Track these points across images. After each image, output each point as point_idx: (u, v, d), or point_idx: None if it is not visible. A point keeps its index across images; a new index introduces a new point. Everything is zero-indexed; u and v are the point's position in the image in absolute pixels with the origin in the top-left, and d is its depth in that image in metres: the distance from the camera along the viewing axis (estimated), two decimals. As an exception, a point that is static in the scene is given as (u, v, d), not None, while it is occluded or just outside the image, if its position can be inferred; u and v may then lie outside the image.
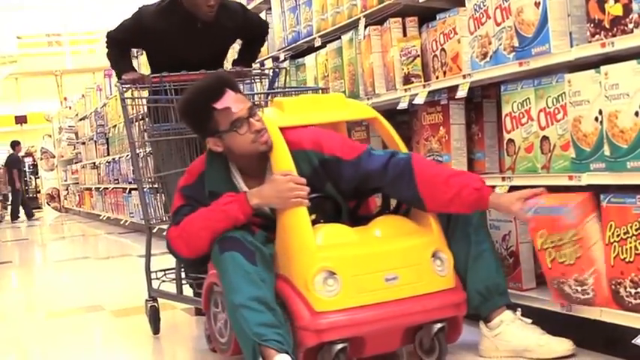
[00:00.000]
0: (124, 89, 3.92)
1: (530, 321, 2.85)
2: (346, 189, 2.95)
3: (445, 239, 2.91)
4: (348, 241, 2.80)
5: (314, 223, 2.86)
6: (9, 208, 18.63)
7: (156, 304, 3.92)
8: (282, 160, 2.83)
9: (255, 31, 4.44)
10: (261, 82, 4.48)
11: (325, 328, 2.66)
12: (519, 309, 2.89)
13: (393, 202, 3.11)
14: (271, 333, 2.62)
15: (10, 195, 18.77)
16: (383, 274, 2.72)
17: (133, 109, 3.90)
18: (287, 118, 3.03)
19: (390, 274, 2.72)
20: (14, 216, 17.95)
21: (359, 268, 2.70)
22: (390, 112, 4.35)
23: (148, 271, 3.95)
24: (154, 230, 4.08)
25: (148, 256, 3.96)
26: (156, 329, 3.92)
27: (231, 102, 2.82)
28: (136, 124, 4.03)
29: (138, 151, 3.93)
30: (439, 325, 2.79)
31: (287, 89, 4.20)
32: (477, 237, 2.94)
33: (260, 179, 2.90)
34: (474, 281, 2.91)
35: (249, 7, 6.01)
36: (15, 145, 18.81)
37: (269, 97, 3.89)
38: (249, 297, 2.66)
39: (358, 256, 2.73)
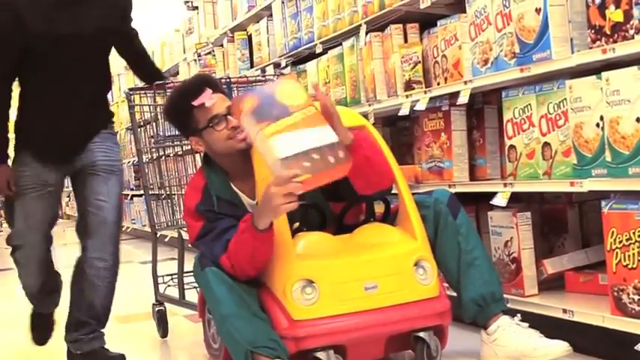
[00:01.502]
0: (131, 95, 3.93)
1: (526, 325, 2.84)
2: (328, 190, 2.91)
3: (434, 248, 2.90)
4: (328, 249, 2.80)
5: (297, 231, 2.86)
6: None
7: (163, 307, 3.96)
8: (262, 162, 2.80)
9: None
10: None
11: (303, 336, 2.67)
12: (518, 314, 2.89)
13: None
14: (263, 340, 2.63)
15: None
16: (362, 283, 2.71)
17: (140, 115, 3.93)
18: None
19: (370, 283, 2.72)
20: None
21: (337, 277, 2.70)
22: (391, 119, 4.36)
23: (155, 276, 3.99)
24: (158, 235, 4.10)
25: (155, 261, 3.98)
26: (164, 332, 3.95)
27: (207, 99, 2.85)
28: (142, 129, 4.05)
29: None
30: (421, 334, 2.77)
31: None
32: (467, 245, 2.93)
33: (251, 181, 2.89)
34: (469, 290, 2.90)
35: (251, 14, 6.04)
36: None
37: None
38: (236, 306, 2.68)
39: (337, 265, 2.73)
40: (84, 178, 3.30)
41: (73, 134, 3.25)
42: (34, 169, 3.22)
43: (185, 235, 3.35)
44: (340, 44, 4.51)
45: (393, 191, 2.97)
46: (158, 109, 3.90)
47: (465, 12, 3.42)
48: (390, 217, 3.03)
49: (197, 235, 2.88)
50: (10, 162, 3.27)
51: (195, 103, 2.87)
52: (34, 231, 3.30)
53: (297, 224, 2.89)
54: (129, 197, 11.00)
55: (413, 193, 2.98)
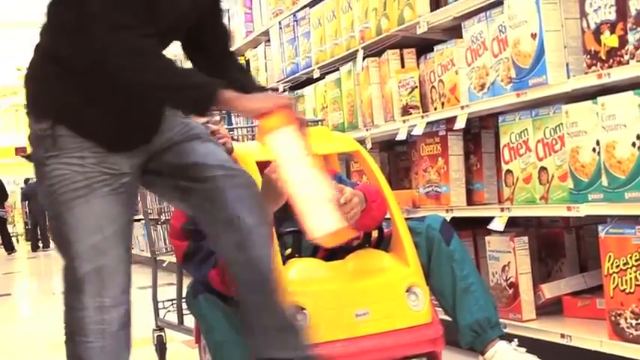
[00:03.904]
0: None
1: (524, 350, 2.83)
2: None
3: (428, 275, 2.90)
4: (319, 276, 2.79)
5: (289, 257, 2.86)
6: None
7: (162, 333, 3.96)
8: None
9: None
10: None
11: None
12: (515, 339, 2.88)
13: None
14: None
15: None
16: (353, 310, 2.70)
17: None
18: (268, 152, 3.02)
19: (361, 310, 2.70)
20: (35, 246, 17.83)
21: (328, 304, 2.68)
22: (388, 143, 4.37)
23: (155, 301, 3.98)
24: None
25: (155, 286, 3.98)
26: (161, 358, 3.95)
27: None
28: None
29: None
30: None
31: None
32: (461, 271, 2.92)
33: None
34: (465, 317, 2.89)
35: (248, 39, 6.07)
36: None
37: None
38: (231, 332, 2.66)
39: (327, 292, 2.72)
40: (173, 150, 2.39)
41: (150, 111, 2.35)
42: (97, 156, 2.22)
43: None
44: (338, 69, 4.52)
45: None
46: None
47: (461, 37, 3.43)
48: (384, 243, 3.03)
49: (183, 254, 2.84)
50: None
51: None
52: (113, 244, 2.23)
53: (289, 250, 2.88)
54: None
55: (406, 219, 2.98)
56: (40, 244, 17.79)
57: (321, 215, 2.19)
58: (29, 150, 2.36)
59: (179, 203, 2.54)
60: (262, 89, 2.52)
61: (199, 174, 2.35)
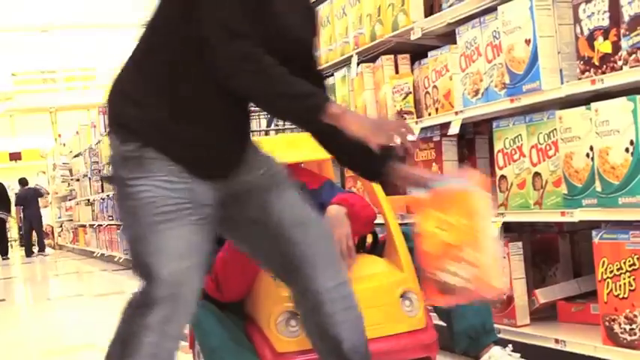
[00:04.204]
0: None
1: (518, 355, 2.83)
2: None
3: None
4: None
5: None
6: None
7: None
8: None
9: None
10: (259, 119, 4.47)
11: None
12: (510, 345, 2.88)
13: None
14: None
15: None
16: None
17: None
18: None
19: None
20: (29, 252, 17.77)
21: None
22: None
23: None
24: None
25: None
26: None
27: None
28: None
29: None
30: None
31: (279, 128, 4.20)
32: None
33: None
34: (460, 323, 2.89)
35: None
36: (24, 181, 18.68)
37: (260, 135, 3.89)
38: (225, 338, 2.66)
39: None
40: (254, 206, 2.35)
41: (234, 141, 2.30)
42: (184, 182, 2.16)
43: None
44: (332, 75, 4.53)
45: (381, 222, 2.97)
46: None
47: (455, 43, 3.44)
48: (378, 248, 3.03)
49: None
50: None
51: None
52: (192, 276, 2.17)
53: None
54: (122, 227, 10.99)
55: (401, 224, 2.98)
56: (36, 250, 17.74)
57: (497, 271, 2.24)
58: (107, 170, 2.29)
59: (250, 252, 2.47)
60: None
61: (274, 230, 2.32)
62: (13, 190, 18.88)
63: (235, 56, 2.07)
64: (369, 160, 2.35)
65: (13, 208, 18.30)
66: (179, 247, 2.13)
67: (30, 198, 17.97)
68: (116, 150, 2.19)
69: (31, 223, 17.64)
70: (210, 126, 2.18)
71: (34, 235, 17.96)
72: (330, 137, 2.34)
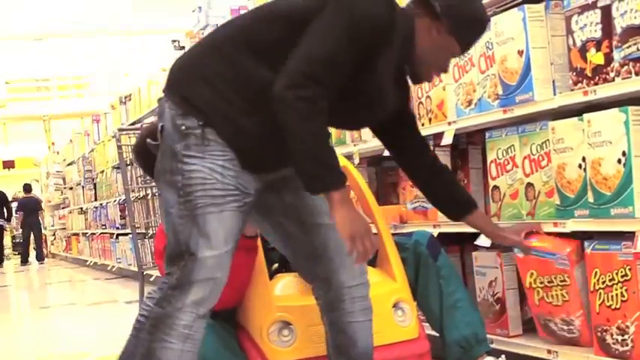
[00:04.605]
0: (120, 134, 3.95)
1: None
2: None
3: (415, 291, 2.90)
4: (306, 291, 2.79)
5: (276, 272, 2.85)
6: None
7: None
8: None
9: None
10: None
11: None
12: (503, 355, 2.89)
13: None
14: None
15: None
16: None
17: (128, 154, 3.96)
18: None
19: None
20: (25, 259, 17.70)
21: (315, 319, 2.68)
22: (376, 159, 4.38)
23: None
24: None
25: (142, 300, 3.97)
26: None
27: None
28: (129, 168, 4.07)
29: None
30: None
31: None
32: (448, 287, 2.93)
33: None
34: (452, 333, 2.89)
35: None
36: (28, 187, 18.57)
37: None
38: (217, 348, 2.66)
39: (314, 307, 2.72)
40: (289, 189, 2.44)
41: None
42: (235, 170, 2.25)
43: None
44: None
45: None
46: None
47: (448, 54, 3.44)
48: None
49: None
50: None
51: (153, 142, 2.69)
52: (228, 260, 2.27)
53: (275, 265, 2.88)
54: (114, 236, 10.97)
55: (394, 234, 2.99)
56: (34, 259, 17.69)
57: None
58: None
59: (278, 240, 2.53)
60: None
61: (304, 217, 2.41)
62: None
63: (299, 94, 2.11)
64: (452, 204, 2.65)
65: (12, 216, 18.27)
66: (223, 233, 2.21)
67: (32, 206, 17.93)
68: (173, 121, 2.25)
69: (31, 231, 17.58)
70: (274, 126, 2.18)
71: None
72: (426, 180, 2.62)
